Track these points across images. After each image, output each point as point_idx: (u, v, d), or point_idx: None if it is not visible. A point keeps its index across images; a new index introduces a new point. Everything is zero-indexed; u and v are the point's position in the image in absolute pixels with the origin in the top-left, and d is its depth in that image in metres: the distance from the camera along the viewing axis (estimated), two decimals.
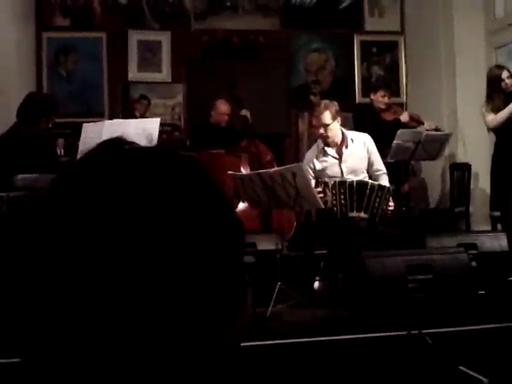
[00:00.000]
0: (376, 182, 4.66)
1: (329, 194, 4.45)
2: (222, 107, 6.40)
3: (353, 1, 7.90)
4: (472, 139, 6.66)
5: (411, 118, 6.31)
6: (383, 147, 5.22)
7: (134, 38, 7.43)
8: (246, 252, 0.67)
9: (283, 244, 5.02)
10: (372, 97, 6.36)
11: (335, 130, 4.75)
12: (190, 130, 7.21)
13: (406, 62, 7.97)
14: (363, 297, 3.86)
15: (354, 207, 4.50)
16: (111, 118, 7.01)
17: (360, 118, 6.07)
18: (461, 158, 6.81)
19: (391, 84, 7.94)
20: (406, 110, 7.32)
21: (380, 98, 6.30)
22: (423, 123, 6.27)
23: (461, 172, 6.72)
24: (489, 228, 6.00)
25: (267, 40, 7.74)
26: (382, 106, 6.30)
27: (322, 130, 4.71)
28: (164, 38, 7.50)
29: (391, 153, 5.52)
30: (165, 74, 7.53)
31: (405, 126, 6.12)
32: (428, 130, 6.12)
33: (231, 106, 6.47)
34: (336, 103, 4.86)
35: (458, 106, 6.91)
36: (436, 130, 6.22)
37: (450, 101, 7.04)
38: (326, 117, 4.69)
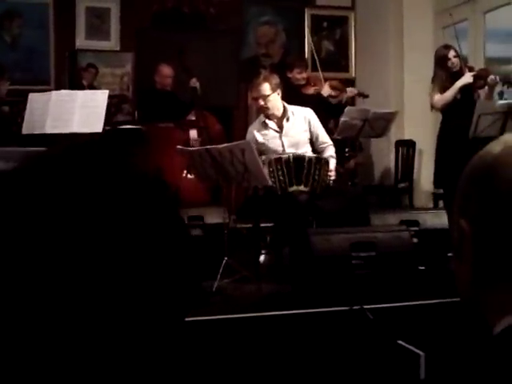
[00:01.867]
0: (313, 155, 4.71)
1: (266, 171, 4.47)
2: (165, 70, 6.38)
3: None
4: (418, 116, 6.78)
5: (332, 87, 6.22)
6: None
7: (82, 4, 7.27)
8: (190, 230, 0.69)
9: (230, 217, 5.06)
10: (289, 75, 6.14)
11: (275, 101, 4.75)
12: (138, 100, 7.13)
13: (355, 38, 8.02)
14: (308, 273, 3.94)
15: (293, 182, 4.55)
16: (57, 86, 6.88)
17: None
18: (406, 134, 6.94)
19: (341, 59, 8.00)
20: (355, 85, 7.39)
21: (297, 75, 6.12)
22: (345, 91, 6.29)
23: (405, 149, 6.85)
24: (431, 204, 6.16)
25: (218, 10, 7.68)
26: (302, 82, 6.15)
27: (261, 102, 4.73)
28: (113, 6, 7.36)
29: (338, 130, 5.59)
30: (113, 42, 7.40)
31: (327, 97, 6.15)
32: (351, 96, 6.24)
33: (178, 72, 6.42)
34: (276, 76, 4.87)
35: (405, 83, 7.02)
36: (360, 94, 6.32)
37: (397, 78, 7.14)
38: (266, 88, 4.70)
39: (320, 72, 6.49)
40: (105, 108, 4.12)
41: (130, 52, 7.43)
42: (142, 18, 7.41)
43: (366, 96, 6.28)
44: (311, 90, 6.15)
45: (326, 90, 6.14)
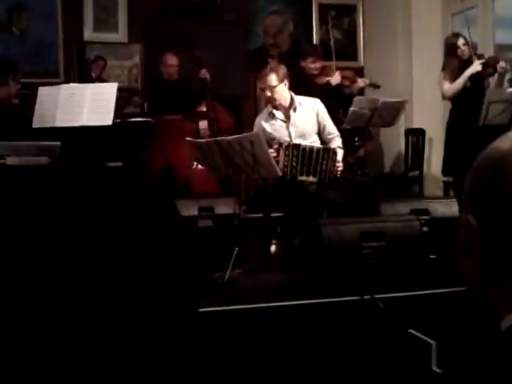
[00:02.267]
0: (320, 146, 4.72)
1: (282, 154, 4.51)
2: (169, 59, 6.39)
3: None
4: (427, 105, 6.76)
5: (343, 77, 6.20)
6: None
7: None
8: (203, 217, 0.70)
9: (241, 208, 5.08)
10: (302, 64, 6.16)
11: (282, 92, 4.76)
12: (147, 92, 7.14)
13: (364, 27, 7.99)
14: (318, 263, 3.95)
15: (303, 171, 4.57)
16: (66, 78, 6.90)
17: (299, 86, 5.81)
18: (416, 123, 6.92)
19: (349, 48, 7.96)
20: (364, 74, 7.37)
21: (310, 65, 6.13)
22: (356, 81, 6.28)
23: (415, 137, 6.83)
24: (441, 193, 6.15)
25: (225, 1, 7.67)
26: (315, 72, 6.15)
27: (268, 93, 4.74)
28: None
29: (347, 119, 5.58)
30: (121, 34, 7.40)
31: (338, 87, 6.13)
32: (363, 87, 6.21)
33: (187, 63, 6.43)
34: (283, 66, 4.88)
35: (414, 71, 6.99)
36: (371, 85, 6.29)
37: (406, 66, 7.11)
38: (273, 78, 4.71)
39: (334, 61, 6.47)
40: (114, 100, 4.13)
41: (138, 44, 7.43)
42: (149, 10, 7.40)
43: (377, 87, 6.25)
44: (324, 80, 6.14)
45: (335, 79, 6.12)
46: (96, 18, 7.30)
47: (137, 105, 7.26)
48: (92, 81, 6.16)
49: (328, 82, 6.09)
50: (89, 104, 4.13)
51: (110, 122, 4.21)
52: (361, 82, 6.26)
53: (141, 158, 4.92)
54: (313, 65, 6.10)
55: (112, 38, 7.35)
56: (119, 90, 4.56)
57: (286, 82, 4.76)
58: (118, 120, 4.37)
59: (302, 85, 5.34)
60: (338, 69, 6.31)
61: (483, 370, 0.73)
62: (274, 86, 4.70)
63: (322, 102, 4.96)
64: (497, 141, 0.82)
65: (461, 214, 0.86)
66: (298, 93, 4.92)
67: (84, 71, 6.95)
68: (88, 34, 7.30)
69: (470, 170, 0.84)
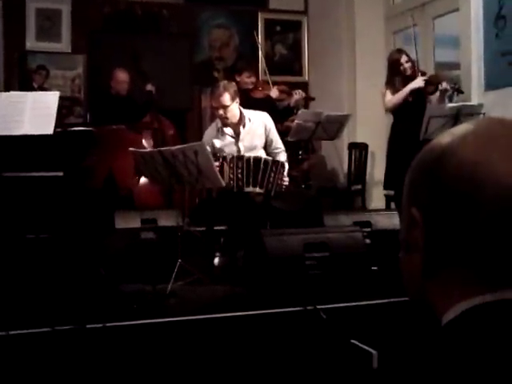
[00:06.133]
0: (270, 158, 4.76)
1: (226, 167, 4.51)
2: (120, 75, 6.33)
3: None
4: (370, 119, 6.88)
5: (280, 91, 6.32)
6: None
7: (32, 5, 7.16)
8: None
9: (184, 220, 5.04)
10: (237, 79, 6.16)
11: (234, 110, 4.80)
12: (91, 103, 7.05)
13: (308, 43, 8.08)
14: (262, 274, 3.94)
15: (250, 182, 4.59)
16: (7, 88, 6.76)
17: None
18: (359, 137, 7.02)
19: (294, 63, 8.05)
20: (308, 89, 7.45)
21: (246, 79, 6.19)
22: (292, 94, 6.36)
23: (358, 151, 6.93)
24: (383, 206, 6.24)
25: (171, 13, 7.66)
26: (250, 86, 6.21)
27: (221, 111, 4.75)
28: (64, 7, 7.27)
29: (292, 132, 5.62)
30: (64, 44, 7.30)
31: (277, 100, 6.22)
32: (298, 100, 6.30)
33: (134, 78, 6.39)
34: (234, 84, 4.91)
35: (358, 86, 7.11)
36: (306, 98, 6.37)
37: (349, 82, 7.23)
38: (226, 98, 4.72)
39: (268, 76, 6.56)
40: (56, 109, 4.05)
41: (82, 54, 7.34)
42: (93, 20, 7.34)
43: (312, 99, 6.34)
44: (260, 94, 6.21)
45: (274, 93, 6.22)
46: (39, 26, 7.19)
47: (79, 115, 7.16)
48: (34, 91, 6.05)
49: (268, 96, 6.17)
50: (30, 112, 4.04)
51: (51, 131, 4.13)
52: (296, 95, 6.33)
53: (82, 168, 4.84)
54: (248, 79, 6.18)
55: (55, 48, 7.25)
56: (61, 98, 4.48)
57: (237, 99, 4.79)
58: (59, 129, 4.29)
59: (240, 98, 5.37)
60: (273, 83, 6.41)
61: (424, 365, 0.73)
62: (228, 106, 4.72)
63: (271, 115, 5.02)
64: (438, 136, 0.84)
65: (402, 208, 0.87)
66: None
67: (25, 81, 6.83)
68: (30, 43, 7.18)
69: (412, 164, 0.85)
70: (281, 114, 6.09)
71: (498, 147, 0.77)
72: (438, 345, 0.75)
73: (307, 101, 6.38)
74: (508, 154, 0.76)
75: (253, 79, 6.24)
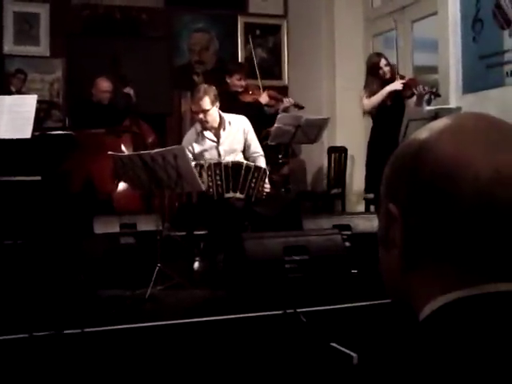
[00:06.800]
0: (252, 163, 4.75)
1: (204, 175, 4.49)
2: (103, 84, 6.28)
3: None
4: (349, 123, 6.90)
5: (270, 96, 6.26)
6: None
7: (10, 8, 7.10)
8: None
9: (164, 225, 5.02)
10: (228, 80, 6.14)
11: (214, 114, 4.79)
12: (70, 107, 7.00)
13: (288, 46, 8.10)
14: (242, 277, 3.93)
15: (230, 188, 4.57)
16: None
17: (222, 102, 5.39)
18: (338, 141, 7.04)
19: (274, 67, 8.06)
20: (288, 93, 7.46)
21: (236, 81, 6.11)
22: (282, 101, 6.33)
23: (338, 155, 6.95)
24: (362, 209, 6.26)
25: (150, 17, 7.63)
26: (239, 89, 6.14)
27: (201, 116, 4.74)
28: (42, 11, 7.22)
29: (271, 136, 5.62)
30: (43, 48, 7.25)
31: (266, 106, 6.19)
32: (287, 107, 6.28)
33: (114, 82, 6.35)
34: (214, 88, 4.88)
35: (337, 90, 7.13)
36: (295, 105, 6.35)
37: (329, 85, 7.25)
38: (206, 102, 4.71)
39: (259, 80, 6.50)
40: (34, 113, 4.03)
41: (61, 58, 7.29)
42: (72, 24, 7.29)
43: (301, 107, 6.30)
44: (249, 98, 6.16)
45: (264, 99, 6.18)
46: (17, 30, 7.13)
47: (57, 119, 7.10)
48: (12, 95, 5.99)
49: (257, 100, 6.13)
50: (7, 116, 4.01)
51: (29, 135, 4.10)
52: (286, 102, 6.31)
53: (61, 172, 4.81)
54: (238, 82, 6.11)
55: (33, 52, 7.19)
56: (39, 102, 4.45)
57: (217, 103, 4.78)
58: (37, 133, 4.26)
59: (227, 101, 5.33)
60: (263, 88, 6.36)
61: (402, 360, 0.73)
62: (208, 110, 4.71)
63: (255, 120, 5.00)
64: (416, 131, 0.84)
65: (379, 204, 0.87)
66: (222, 109, 4.92)
67: (3, 85, 6.77)
68: (8, 46, 7.12)
69: (389, 160, 0.85)
70: (268, 120, 6.04)
71: (475, 142, 0.77)
72: (414, 340, 0.75)
73: (297, 109, 6.33)
74: (485, 148, 0.76)
75: (243, 82, 6.15)
